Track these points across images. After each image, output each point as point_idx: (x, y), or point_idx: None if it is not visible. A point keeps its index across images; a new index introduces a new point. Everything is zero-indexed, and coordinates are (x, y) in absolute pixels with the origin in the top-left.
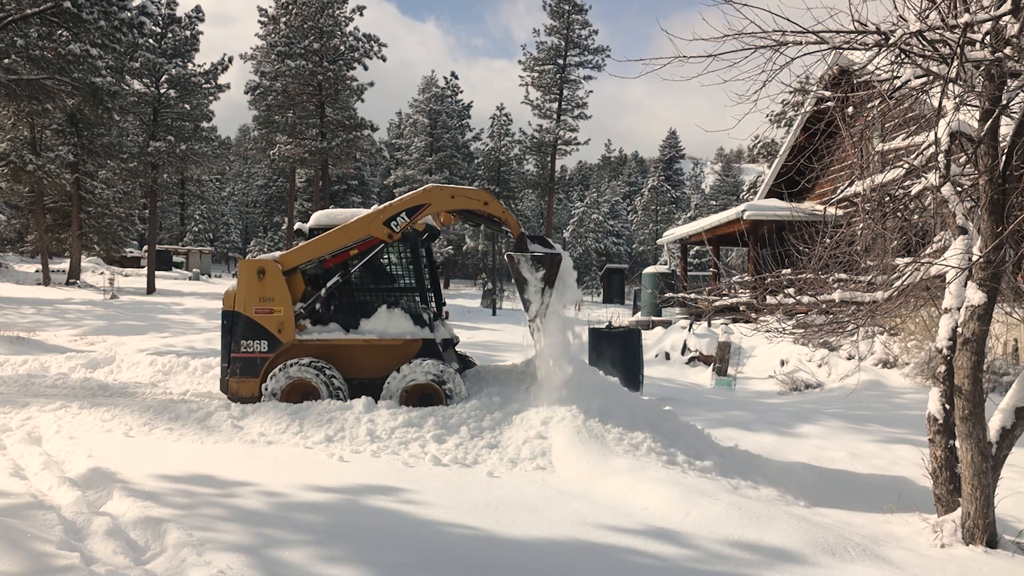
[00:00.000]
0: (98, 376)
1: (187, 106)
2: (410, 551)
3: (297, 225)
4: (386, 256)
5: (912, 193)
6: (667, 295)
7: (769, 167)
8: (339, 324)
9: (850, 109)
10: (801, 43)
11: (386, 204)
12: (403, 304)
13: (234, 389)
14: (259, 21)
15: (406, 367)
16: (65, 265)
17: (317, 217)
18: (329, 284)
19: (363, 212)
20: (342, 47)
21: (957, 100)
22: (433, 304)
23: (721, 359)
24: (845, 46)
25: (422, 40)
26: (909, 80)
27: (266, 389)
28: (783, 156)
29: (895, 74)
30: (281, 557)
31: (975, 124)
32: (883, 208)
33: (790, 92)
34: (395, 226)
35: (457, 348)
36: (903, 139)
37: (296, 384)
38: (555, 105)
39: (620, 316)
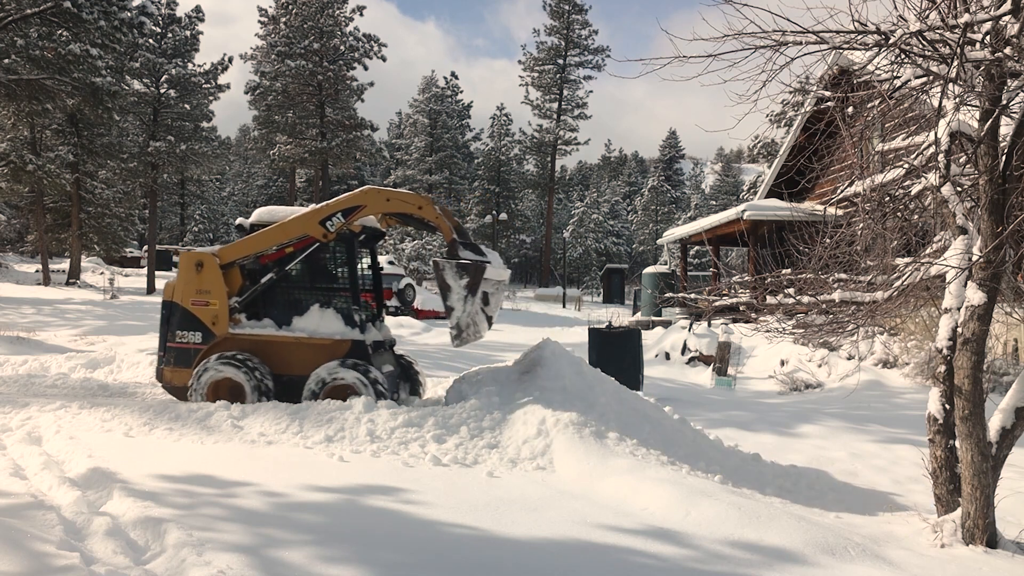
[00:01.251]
0: (98, 376)
1: (187, 106)
2: (410, 551)
3: (239, 220)
4: (323, 256)
5: (912, 193)
6: (667, 295)
7: (769, 167)
8: (273, 320)
9: (850, 109)
10: (801, 43)
11: (323, 204)
12: (336, 304)
13: (168, 378)
14: (259, 21)
15: (322, 368)
16: (65, 265)
17: (259, 213)
18: (264, 280)
19: (302, 210)
20: (342, 47)
21: (957, 100)
22: (376, 305)
23: (721, 359)
24: (845, 46)
25: (422, 40)
26: (909, 80)
27: (193, 380)
28: (783, 156)
29: (895, 74)
30: (281, 557)
31: (975, 124)
32: (883, 208)
33: (790, 92)
34: (330, 226)
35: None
36: (903, 139)
37: (220, 377)
38: (555, 105)
39: (620, 316)
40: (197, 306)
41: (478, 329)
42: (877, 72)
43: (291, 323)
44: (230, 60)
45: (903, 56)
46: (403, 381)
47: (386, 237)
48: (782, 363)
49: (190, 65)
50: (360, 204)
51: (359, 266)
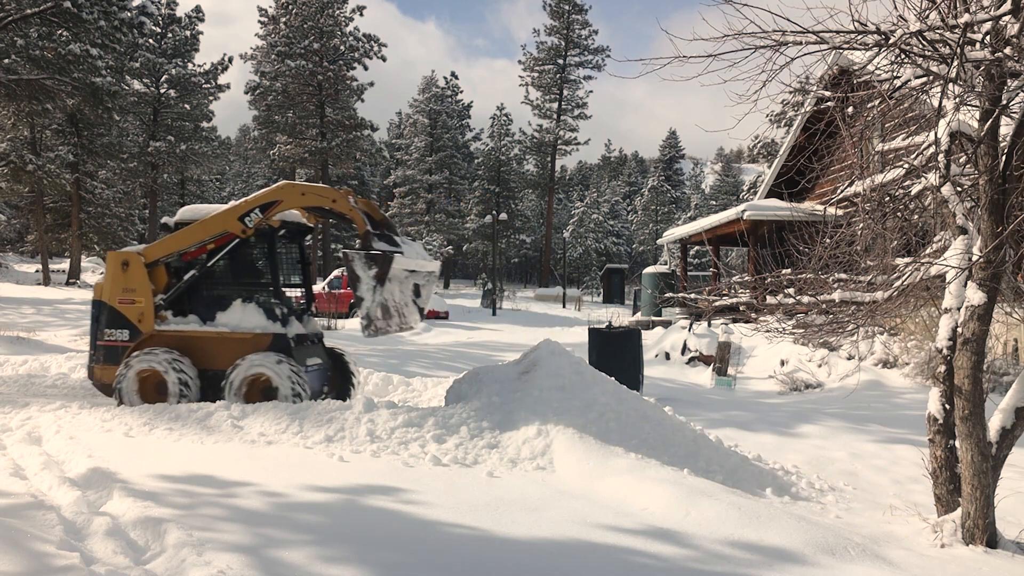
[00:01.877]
0: None
1: (187, 106)
2: (410, 551)
3: (164, 219)
4: (245, 252)
5: (912, 193)
6: (667, 295)
7: (769, 167)
8: (198, 316)
9: (850, 109)
10: (801, 43)
11: (242, 200)
12: (258, 299)
13: (98, 376)
14: (259, 21)
15: (242, 362)
16: (65, 265)
17: (182, 212)
18: (186, 277)
19: (223, 207)
20: (342, 47)
21: (957, 100)
22: (303, 299)
23: (721, 359)
24: (845, 46)
25: (422, 40)
26: (909, 80)
27: (117, 377)
28: (783, 156)
29: (895, 74)
30: (281, 557)
31: (975, 124)
32: (883, 208)
33: (790, 92)
34: (249, 222)
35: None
36: (903, 139)
37: (144, 372)
38: (555, 105)
39: (620, 316)
40: (124, 304)
41: (406, 320)
42: (877, 72)
43: (215, 318)
44: (230, 60)
45: (903, 56)
46: (336, 374)
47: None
48: (782, 363)
49: (190, 65)
50: (276, 199)
51: (278, 261)
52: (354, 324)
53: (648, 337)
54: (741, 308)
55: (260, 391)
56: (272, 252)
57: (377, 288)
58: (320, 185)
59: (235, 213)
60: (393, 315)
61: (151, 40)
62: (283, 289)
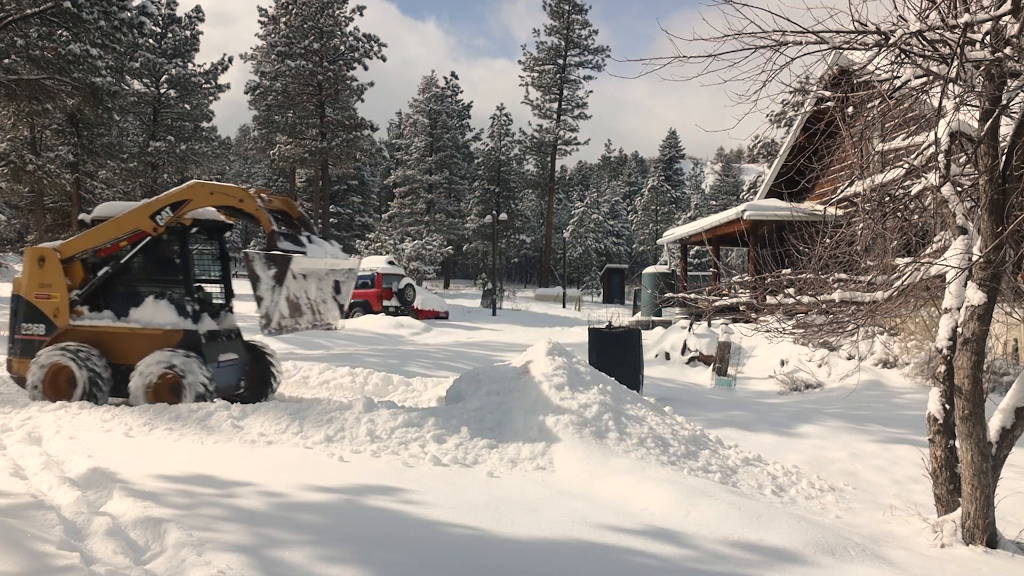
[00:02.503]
0: None
1: (187, 106)
2: (410, 551)
3: (81, 216)
4: (159, 249)
5: (912, 193)
6: (667, 295)
7: (769, 167)
8: (112, 312)
9: (850, 109)
10: (801, 43)
11: (154, 199)
12: (170, 295)
13: (16, 369)
14: (259, 21)
15: (147, 358)
16: None
17: (99, 209)
18: (100, 273)
19: (137, 205)
20: (342, 47)
21: (957, 100)
22: (222, 295)
23: (721, 359)
24: (845, 46)
25: (423, 40)
26: (909, 80)
27: (30, 371)
28: (783, 156)
29: (895, 74)
30: (281, 557)
31: (975, 124)
32: (883, 208)
33: (790, 92)
34: (160, 220)
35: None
36: (903, 139)
37: (56, 367)
38: (555, 105)
39: (620, 316)
40: (40, 299)
41: (322, 317)
42: (877, 72)
43: (128, 314)
44: (230, 60)
45: (903, 56)
46: (256, 370)
47: (233, 228)
48: (782, 363)
49: (190, 65)
50: (186, 198)
51: (190, 258)
52: (354, 324)
53: (648, 337)
54: (741, 308)
55: (168, 387)
56: (185, 249)
57: (276, 288)
58: (229, 184)
59: (147, 211)
60: (305, 312)
61: (151, 40)
62: (201, 286)
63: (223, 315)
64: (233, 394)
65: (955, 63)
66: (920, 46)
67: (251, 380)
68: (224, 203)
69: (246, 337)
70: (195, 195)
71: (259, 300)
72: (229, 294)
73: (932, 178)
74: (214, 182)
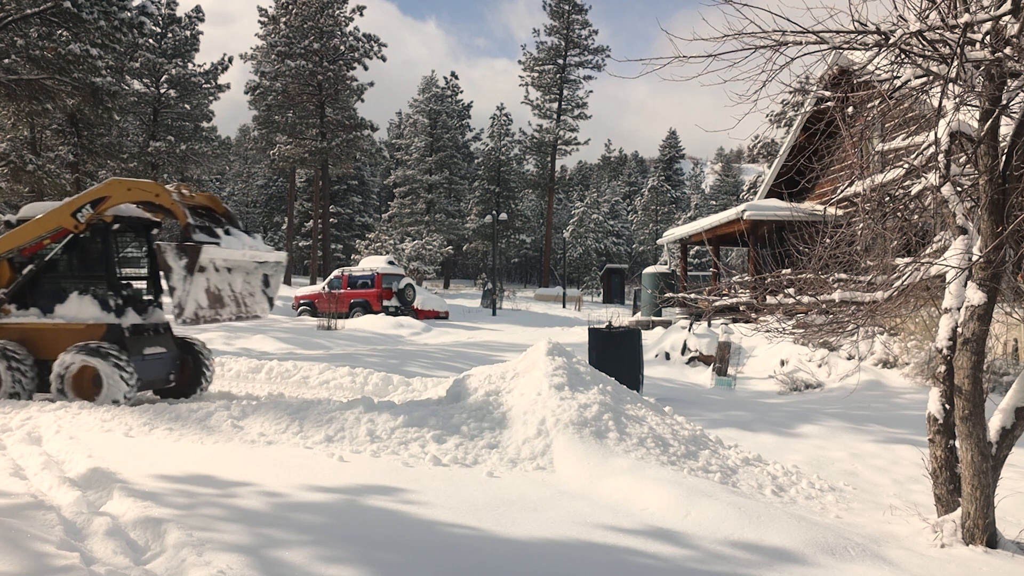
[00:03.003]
0: None
1: (187, 106)
2: (410, 551)
3: (7, 216)
4: (82, 246)
5: (912, 193)
6: (667, 295)
7: (769, 167)
8: (39, 309)
9: (850, 109)
10: (801, 43)
11: (74, 197)
12: (94, 291)
13: None
14: (259, 21)
15: (64, 353)
16: None
17: (24, 209)
18: (24, 272)
19: (59, 204)
20: (342, 47)
21: (957, 100)
22: (150, 291)
23: (721, 359)
24: (845, 46)
25: (423, 40)
26: (909, 80)
27: None
28: (783, 156)
29: (895, 74)
30: (281, 557)
31: (975, 124)
32: (883, 208)
33: (790, 92)
34: (80, 217)
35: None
36: (903, 139)
37: None
38: (555, 105)
39: (620, 316)
40: None
41: (249, 309)
42: (877, 72)
43: (54, 310)
44: (230, 60)
45: (903, 56)
46: (188, 363)
47: (161, 225)
48: (782, 363)
49: (190, 65)
50: (105, 195)
51: (113, 254)
52: (354, 324)
53: (648, 337)
54: (741, 308)
55: (90, 379)
56: (107, 246)
57: (187, 277)
58: (146, 181)
59: (68, 209)
60: (228, 304)
61: (151, 40)
62: (129, 282)
63: (150, 310)
64: (163, 387)
65: (955, 63)
66: (920, 46)
67: (183, 374)
68: (141, 198)
69: (179, 332)
70: (113, 191)
71: (172, 290)
72: (158, 290)
73: (932, 178)
74: (132, 179)
